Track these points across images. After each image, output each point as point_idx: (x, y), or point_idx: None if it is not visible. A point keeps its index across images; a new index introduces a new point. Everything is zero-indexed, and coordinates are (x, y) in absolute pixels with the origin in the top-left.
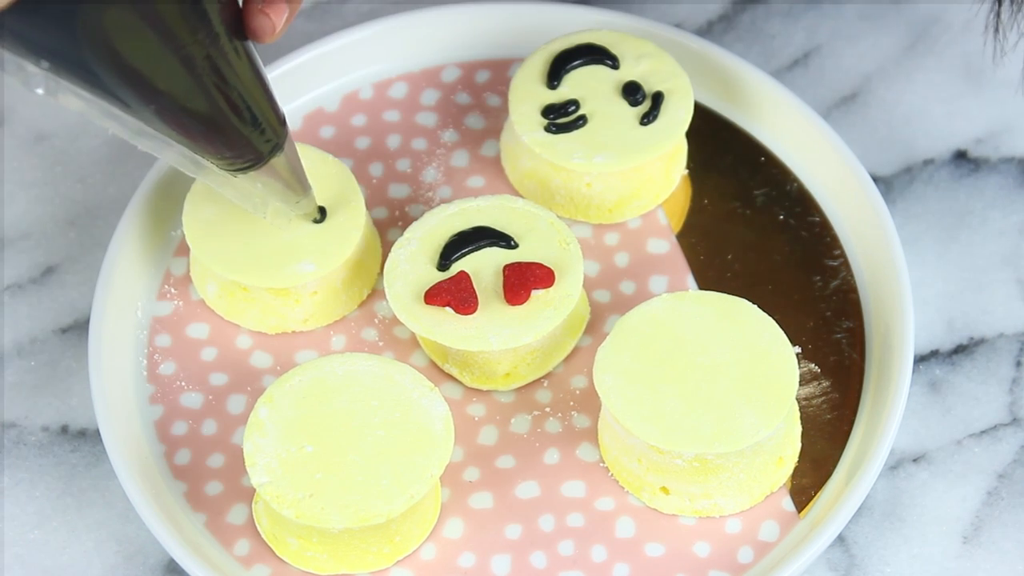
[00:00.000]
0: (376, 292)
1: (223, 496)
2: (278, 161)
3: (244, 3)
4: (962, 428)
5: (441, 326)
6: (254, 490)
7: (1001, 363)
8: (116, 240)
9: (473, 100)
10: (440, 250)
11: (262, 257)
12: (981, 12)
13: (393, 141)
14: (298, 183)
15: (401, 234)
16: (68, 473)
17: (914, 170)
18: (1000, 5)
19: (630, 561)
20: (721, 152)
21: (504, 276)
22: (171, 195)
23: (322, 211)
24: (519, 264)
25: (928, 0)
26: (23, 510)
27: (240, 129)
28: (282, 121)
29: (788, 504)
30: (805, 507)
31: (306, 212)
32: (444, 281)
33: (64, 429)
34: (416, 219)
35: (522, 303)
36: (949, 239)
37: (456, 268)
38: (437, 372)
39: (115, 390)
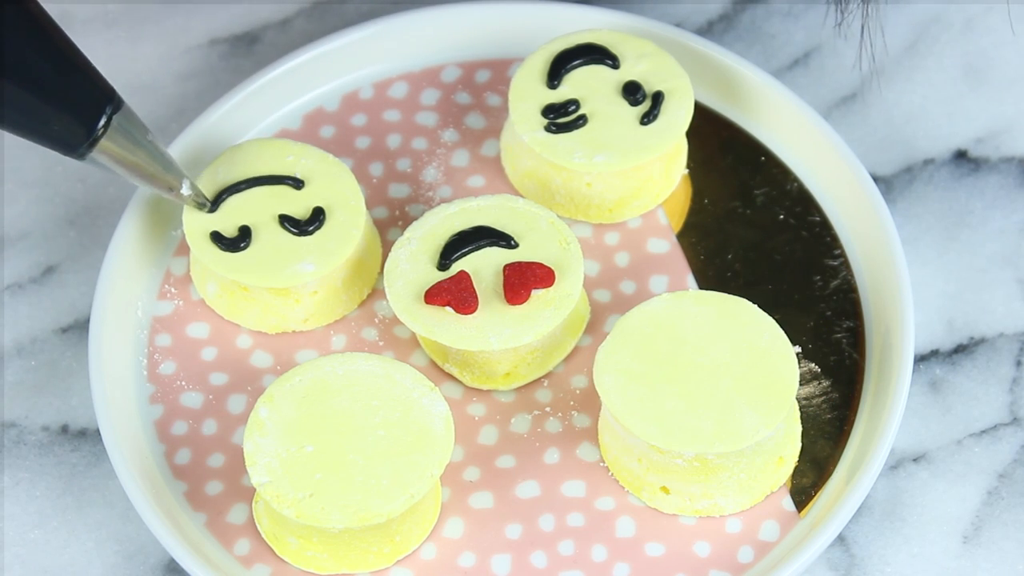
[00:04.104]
0: (376, 292)
1: (223, 496)
2: (110, 150)
3: None
4: (962, 428)
5: (441, 326)
6: (254, 490)
7: (1001, 363)
8: (116, 240)
9: (473, 100)
10: (440, 250)
11: (262, 257)
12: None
13: (393, 141)
14: (157, 174)
15: (401, 234)
16: (68, 473)
17: (914, 170)
18: None
19: (630, 561)
20: (721, 152)
21: (504, 276)
22: None
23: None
24: (519, 264)
25: (928, 0)
26: (23, 510)
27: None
28: (95, 112)
29: (788, 504)
30: (805, 507)
31: (193, 204)
32: (444, 281)
33: (64, 429)
34: (416, 219)
35: (522, 303)
36: (949, 239)
37: (456, 268)
38: (437, 372)
39: (115, 390)
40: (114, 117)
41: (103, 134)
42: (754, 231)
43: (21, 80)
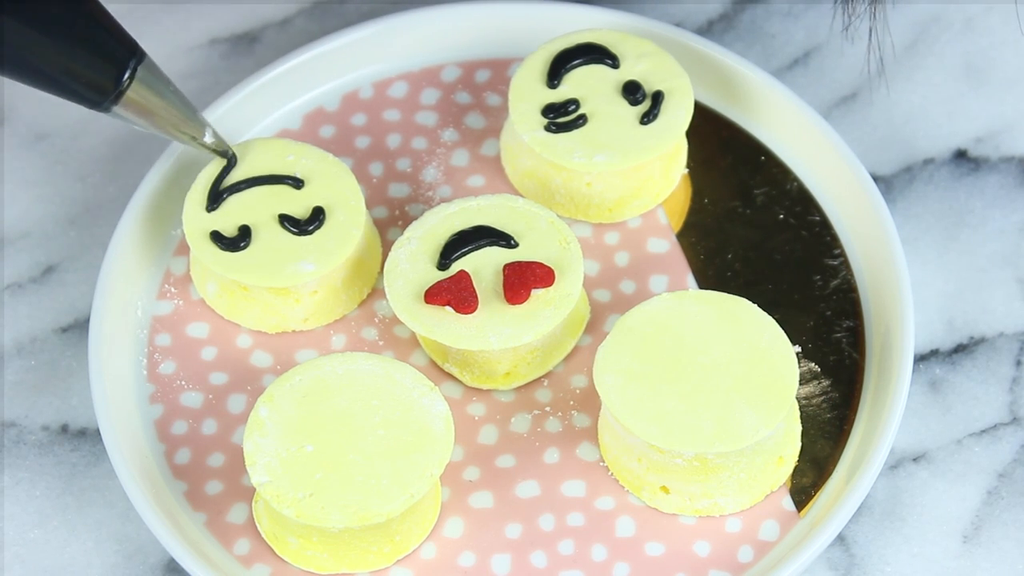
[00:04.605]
0: (376, 291)
1: (223, 495)
2: (135, 102)
3: None
4: (962, 428)
5: (441, 325)
6: (254, 489)
7: (1001, 362)
8: (116, 240)
9: (473, 99)
10: (440, 249)
11: (262, 257)
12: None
13: (393, 140)
14: (181, 125)
15: (401, 233)
16: (68, 472)
17: (914, 170)
18: None
19: (630, 560)
20: (721, 152)
21: (504, 275)
22: (171, 195)
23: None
24: (519, 263)
25: (928, 0)
26: (23, 509)
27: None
28: (121, 63)
29: (788, 503)
30: (805, 506)
31: (214, 151)
32: (444, 280)
33: (64, 428)
34: (416, 218)
35: (522, 302)
36: (949, 239)
37: (456, 267)
38: (437, 371)
39: (115, 390)
40: (138, 69)
41: (128, 86)
42: (754, 231)
43: (49, 34)
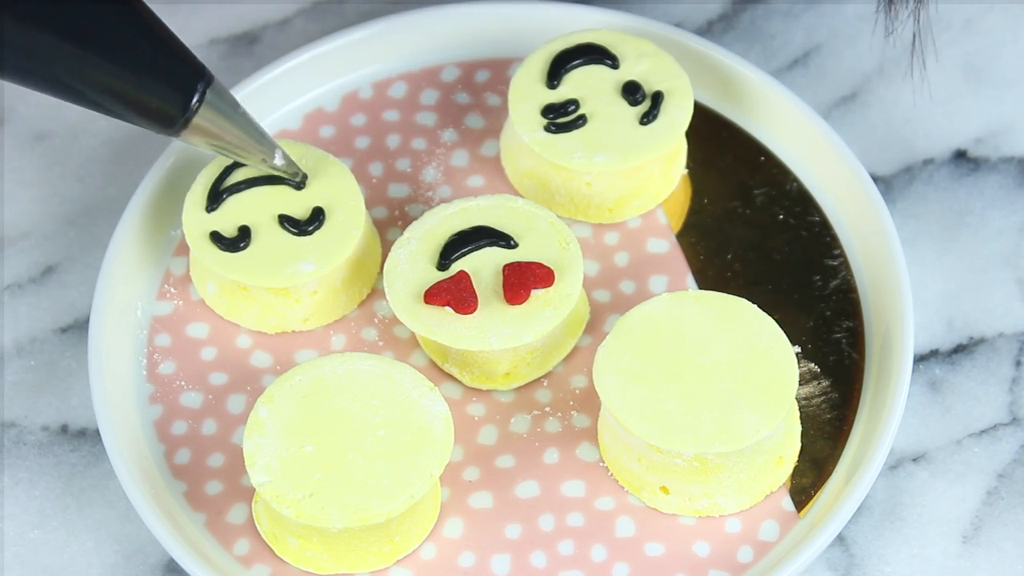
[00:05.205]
0: (376, 292)
1: (223, 496)
2: (203, 126)
3: None
4: (962, 428)
5: (441, 326)
6: (254, 490)
7: (1001, 363)
8: (116, 240)
9: (473, 100)
10: (440, 250)
11: (262, 257)
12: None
13: (393, 141)
14: (250, 147)
15: (401, 234)
16: (68, 473)
17: (914, 170)
18: None
19: (630, 561)
20: (721, 152)
21: (504, 276)
22: (171, 195)
23: (303, 179)
24: (519, 264)
25: (928, 0)
26: (23, 510)
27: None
28: (188, 87)
29: (788, 504)
30: (805, 507)
31: (284, 173)
32: (444, 281)
33: (64, 429)
34: (416, 219)
35: (522, 303)
36: (949, 239)
37: (456, 268)
38: (437, 372)
39: (115, 390)
40: (207, 92)
41: (197, 109)
42: (754, 231)
43: (121, 60)
